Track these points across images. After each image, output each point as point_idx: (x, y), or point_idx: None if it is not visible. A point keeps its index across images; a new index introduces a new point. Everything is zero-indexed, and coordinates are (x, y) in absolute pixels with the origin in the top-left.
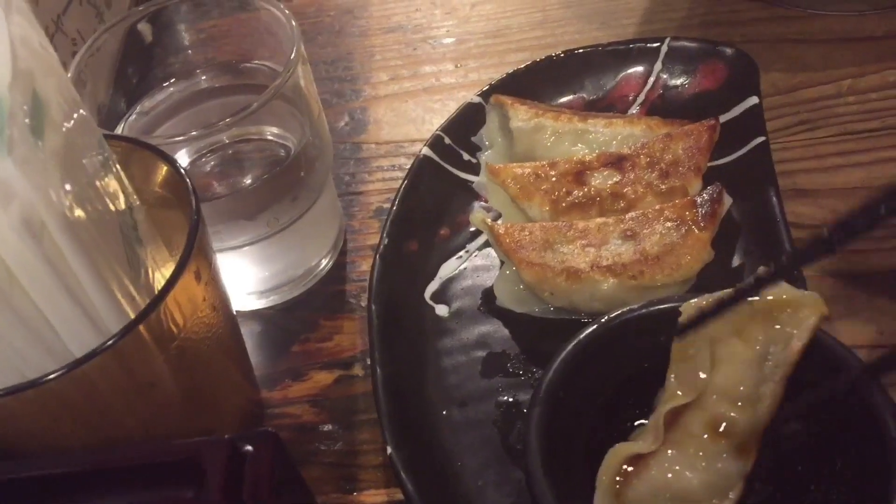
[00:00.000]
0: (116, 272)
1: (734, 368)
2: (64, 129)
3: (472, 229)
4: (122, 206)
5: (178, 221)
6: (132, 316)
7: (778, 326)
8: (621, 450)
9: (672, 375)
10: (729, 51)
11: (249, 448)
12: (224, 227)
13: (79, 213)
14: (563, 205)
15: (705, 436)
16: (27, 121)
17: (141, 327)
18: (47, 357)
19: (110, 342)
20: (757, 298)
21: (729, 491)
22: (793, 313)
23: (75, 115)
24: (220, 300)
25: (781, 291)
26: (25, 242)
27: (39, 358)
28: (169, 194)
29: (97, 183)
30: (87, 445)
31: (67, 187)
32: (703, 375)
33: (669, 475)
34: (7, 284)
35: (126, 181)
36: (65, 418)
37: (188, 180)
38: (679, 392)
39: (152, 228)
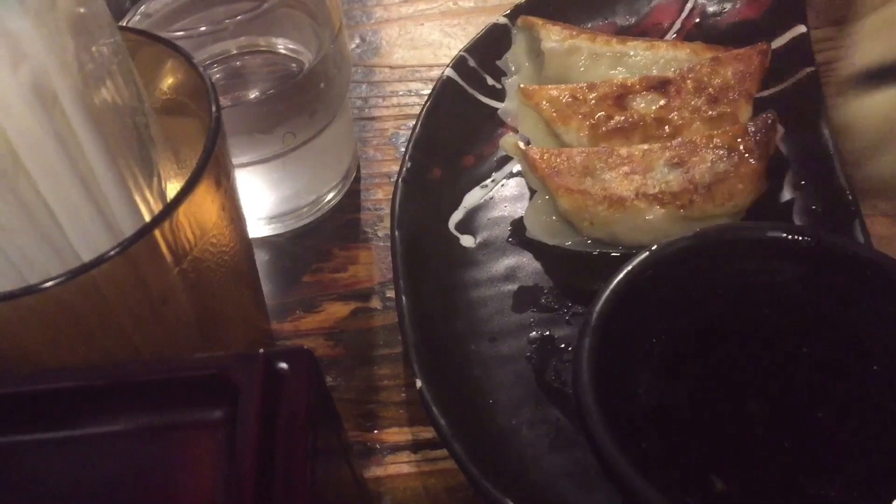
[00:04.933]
0: (132, 169)
1: None
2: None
3: (497, 158)
4: (136, 102)
5: (189, 130)
6: (148, 220)
7: None
8: None
9: None
10: None
11: (285, 366)
12: (237, 140)
13: (95, 94)
14: (603, 130)
15: None
16: None
17: (157, 232)
18: (53, 258)
19: (122, 246)
20: None
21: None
22: None
23: None
24: (237, 214)
25: None
26: (35, 114)
27: (43, 259)
28: (179, 97)
29: (111, 69)
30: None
31: (83, 61)
32: None
33: None
34: (11, 167)
35: (137, 76)
36: (68, 332)
37: (207, 77)
38: None
39: (162, 135)
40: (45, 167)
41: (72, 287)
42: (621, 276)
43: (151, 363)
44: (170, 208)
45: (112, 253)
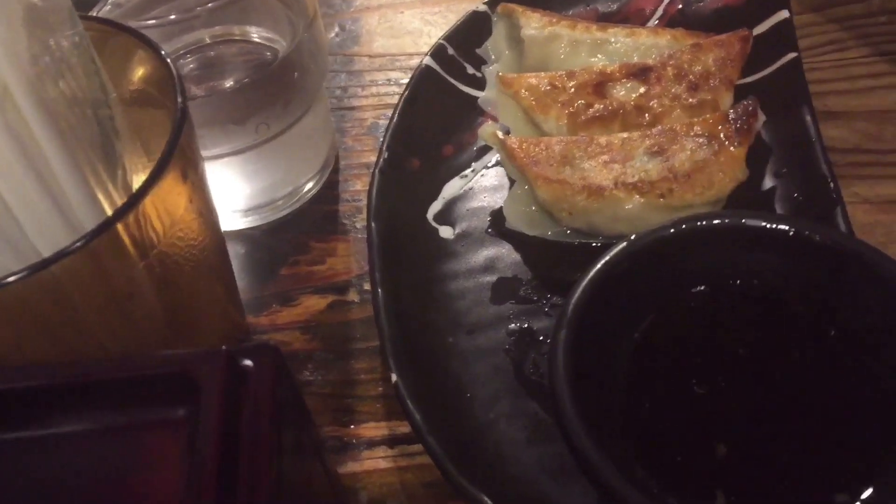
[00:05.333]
0: (92, 162)
1: None
2: None
3: (477, 148)
4: (98, 94)
5: (158, 122)
6: (110, 214)
7: None
8: None
9: None
10: None
11: (249, 363)
12: (209, 132)
13: (50, 87)
14: (582, 118)
15: None
16: None
17: (119, 226)
18: (10, 255)
19: (84, 241)
20: None
21: None
22: None
23: None
24: (207, 207)
25: None
26: None
27: (1, 255)
28: (148, 88)
29: (70, 62)
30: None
31: (36, 54)
32: None
33: None
34: None
35: (101, 68)
36: (29, 331)
37: (172, 65)
38: None
39: (129, 128)
40: None
41: (32, 283)
42: (598, 267)
43: (111, 361)
44: (133, 201)
45: (73, 248)
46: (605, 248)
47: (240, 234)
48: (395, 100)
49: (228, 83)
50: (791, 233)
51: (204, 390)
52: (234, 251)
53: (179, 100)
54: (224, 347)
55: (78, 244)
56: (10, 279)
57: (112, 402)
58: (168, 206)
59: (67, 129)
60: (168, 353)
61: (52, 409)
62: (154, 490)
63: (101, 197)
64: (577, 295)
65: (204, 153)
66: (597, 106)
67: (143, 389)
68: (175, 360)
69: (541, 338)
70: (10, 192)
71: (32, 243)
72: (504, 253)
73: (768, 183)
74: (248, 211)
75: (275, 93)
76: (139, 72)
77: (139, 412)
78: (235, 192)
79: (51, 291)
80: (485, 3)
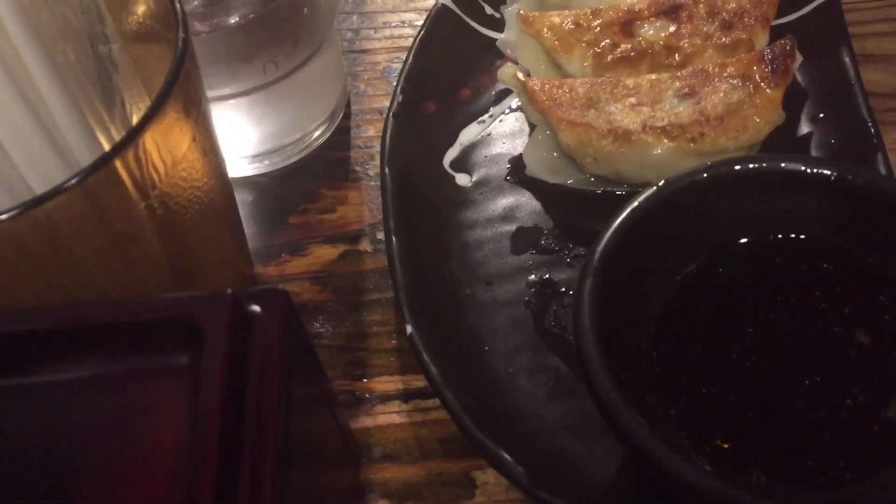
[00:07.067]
0: (90, 97)
1: None
2: None
3: (496, 92)
4: (96, 25)
5: (163, 59)
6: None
7: None
8: None
9: None
10: None
11: (256, 309)
12: (215, 70)
13: (43, 13)
14: (608, 59)
15: None
16: None
17: (117, 162)
18: (1, 194)
19: (79, 177)
20: None
21: None
22: None
23: None
24: (212, 147)
25: None
26: None
27: None
28: (153, 23)
29: None
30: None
31: None
32: None
33: None
34: None
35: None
36: (24, 272)
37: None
38: None
39: (130, 65)
40: None
41: (24, 222)
42: (626, 213)
43: (109, 305)
44: (131, 136)
45: (68, 185)
46: (631, 195)
47: (247, 181)
48: (409, 42)
49: (234, 19)
50: (833, 177)
51: (208, 336)
52: (242, 199)
53: (181, 31)
54: (229, 291)
55: (73, 181)
56: (1, 217)
57: (110, 348)
58: (169, 143)
59: (63, 61)
60: (170, 296)
61: (48, 355)
62: (154, 441)
63: (99, 134)
64: (604, 242)
65: (210, 93)
66: (624, 46)
67: (144, 335)
68: (177, 303)
69: (563, 289)
70: (1, 126)
71: (26, 181)
72: (524, 201)
73: (804, 128)
74: (256, 157)
75: (283, 29)
76: (142, 7)
77: (139, 359)
78: (243, 136)
79: (45, 231)
80: None
